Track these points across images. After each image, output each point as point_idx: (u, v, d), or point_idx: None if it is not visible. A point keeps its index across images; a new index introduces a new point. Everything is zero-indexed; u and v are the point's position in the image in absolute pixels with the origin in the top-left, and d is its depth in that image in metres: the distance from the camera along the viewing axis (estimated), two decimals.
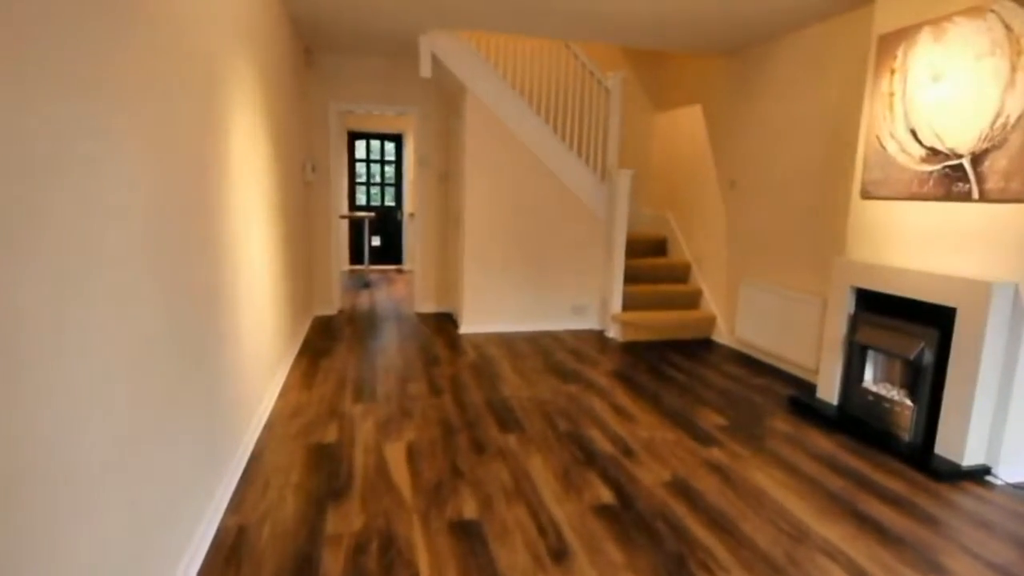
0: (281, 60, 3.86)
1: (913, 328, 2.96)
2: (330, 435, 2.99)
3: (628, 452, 2.89)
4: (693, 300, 5.38)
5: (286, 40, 4.08)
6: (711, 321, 5.16)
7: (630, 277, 5.33)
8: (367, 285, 7.65)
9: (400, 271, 9.13)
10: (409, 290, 7.34)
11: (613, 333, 5.16)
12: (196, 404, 2.01)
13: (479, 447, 2.90)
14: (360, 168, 9.12)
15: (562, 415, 3.34)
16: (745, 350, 4.76)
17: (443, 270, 6.05)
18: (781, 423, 3.32)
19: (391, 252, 9.39)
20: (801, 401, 3.54)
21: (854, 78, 3.75)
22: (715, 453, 2.90)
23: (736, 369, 4.33)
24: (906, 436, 2.98)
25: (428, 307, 6.09)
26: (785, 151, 4.34)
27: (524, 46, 5.24)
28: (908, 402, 3.00)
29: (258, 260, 3.10)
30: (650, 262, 5.51)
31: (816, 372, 3.95)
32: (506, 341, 4.96)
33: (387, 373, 4.03)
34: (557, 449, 2.90)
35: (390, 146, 9.13)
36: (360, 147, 9.05)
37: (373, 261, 9.28)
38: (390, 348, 4.67)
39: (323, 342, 4.80)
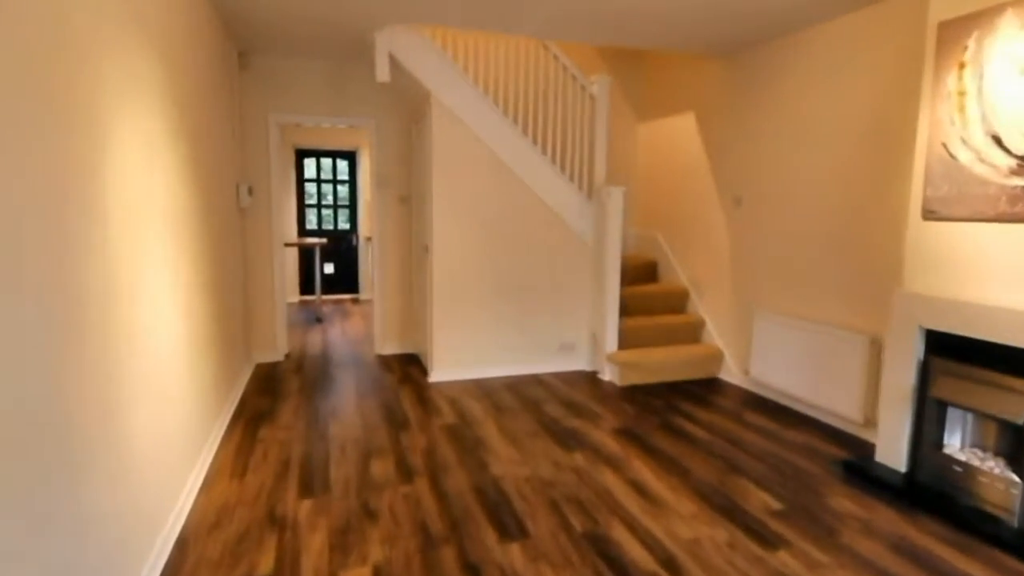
0: (206, 62, 3.06)
1: (1018, 384, 2.35)
2: (264, 562, 2.16)
3: (671, 565, 2.16)
4: (694, 332, 4.75)
5: (211, 37, 3.27)
6: (718, 357, 4.53)
7: (621, 308, 4.66)
8: (319, 320, 6.77)
9: (356, 301, 8.26)
10: (367, 326, 6.49)
11: (609, 375, 4.47)
12: (45, 551, 1.18)
13: (473, 570, 2.13)
14: (310, 189, 8.25)
15: (574, 504, 2.59)
16: (763, 393, 4.13)
17: (406, 303, 5.25)
18: (844, 500, 2.67)
19: (346, 280, 8.51)
20: (857, 466, 2.91)
21: (897, 75, 3.19)
22: (785, 559, 2.20)
23: (760, 419, 3.68)
24: (1012, 520, 2.36)
25: (391, 347, 5.27)
26: (804, 163, 3.76)
27: (497, 46, 4.56)
28: (1013, 476, 2.39)
29: (166, 315, 2.27)
30: (642, 289, 4.86)
31: (863, 425, 3.34)
32: (486, 391, 4.20)
33: (343, 445, 3.21)
34: (578, 564, 2.16)
35: (343, 164, 8.30)
36: (309, 166, 8.18)
37: (326, 291, 8.38)
38: (347, 407, 3.84)
39: (264, 400, 3.93)
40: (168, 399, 2.31)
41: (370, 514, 2.49)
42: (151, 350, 2.11)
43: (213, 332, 3.23)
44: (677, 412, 3.79)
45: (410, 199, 5.13)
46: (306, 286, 8.27)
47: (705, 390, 4.28)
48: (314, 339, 5.84)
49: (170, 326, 2.37)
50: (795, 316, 3.82)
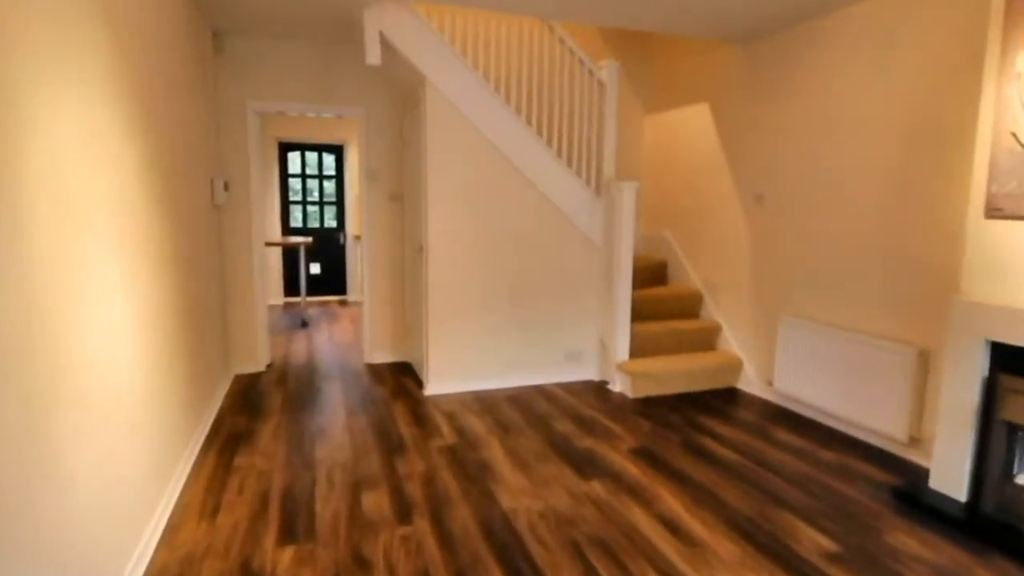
0: (172, 42, 2.66)
1: None
2: None
3: None
4: (709, 338, 4.42)
5: (178, 14, 2.87)
6: (736, 366, 4.21)
7: (631, 313, 4.32)
8: (305, 324, 6.37)
9: (344, 303, 7.86)
10: (356, 330, 6.11)
11: (620, 387, 4.13)
12: None
13: None
14: (295, 185, 7.83)
15: (598, 548, 2.25)
16: (789, 406, 3.81)
17: (398, 307, 4.88)
18: (903, 537, 2.35)
19: (333, 281, 8.10)
20: (909, 494, 2.59)
21: (947, 56, 2.87)
22: None
23: (789, 436, 3.37)
24: None
25: (382, 355, 4.90)
26: (835, 157, 3.44)
27: (498, 27, 4.19)
28: None
29: (118, 335, 1.89)
30: (652, 293, 4.53)
31: (908, 445, 3.03)
32: (487, 405, 3.84)
33: (331, 474, 2.84)
34: None
35: (329, 159, 7.89)
36: (294, 160, 7.76)
37: (313, 292, 7.97)
38: (334, 425, 3.46)
39: (242, 419, 3.54)
40: (123, 433, 1.93)
41: (363, 564, 2.13)
42: (98, 379, 1.73)
43: (182, 346, 2.84)
44: (698, 428, 3.46)
45: (402, 195, 4.76)
46: (291, 287, 7.86)
47: (724, 402, 3.95)
48: (299, 346, 5.45)
49: (125, 347, 1.99)
50: (826, 323, 3.50)
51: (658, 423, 3.54)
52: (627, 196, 3.98)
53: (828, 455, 3.10)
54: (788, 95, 3.75)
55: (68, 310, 1.56)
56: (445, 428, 3.44)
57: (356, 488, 2.70)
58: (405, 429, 3.42)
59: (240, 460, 3.00)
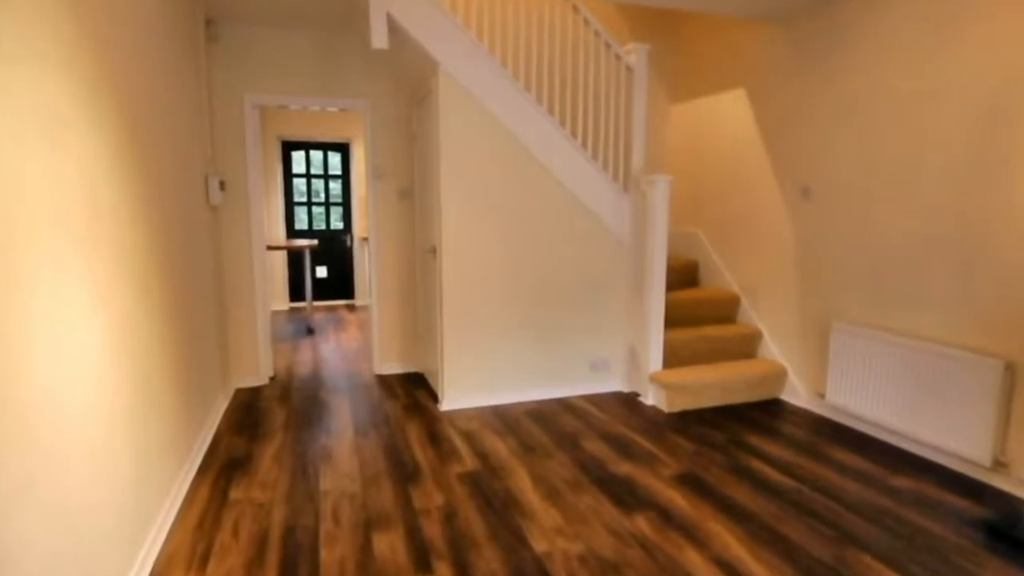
0: (157, 26, 2.33)
1: None
2: None
3: None
4: (748, 346, 4.06)
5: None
6: (780, 376, 3.85)
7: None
8: (311, 331, 6.06)
9: (352, 308, 7.55)
10: (365, 337, 5.79)
11: (653, 400, 3.78)
12: None
13: None
14: (300, 185, 7.52)
15: None
16: (843, 420, 3.45)
17: (409, 314, 4.55)
18: None
19: (340, 285, 7.79)
20: (1002, 531, 2.23)
21: None
22: None
23: (849, 457, 3.01)
24: None
25: (392, 365, 4.57)
26: (897, 146, 3.08)
27: (517, 7, 3.85)
28: None
29: (85, 362, 1.57)
30: (684, 296, 4.17)
31: (991, 469, 2.66)
32: (508, 422, 3.50)
33: (338, 509, 2.51)
34: None
35: (335, 158, 7.57)
36: (298, 159, 7.45)
37: (319, 296, 7.67)
38: (342, 448, 3.14)
39: (241, 441, 3.22)
40: (86, 478, 1.61)
41: None
42: (54, 416, 1.41)
43: (171, 365, 2.52)
44: (745, 448, 3.11)
45: (412, 193, 4.43)
46: (296, 292, 7.56)
47: (769, 416, 3.59)
48: (304, 355, 5.13)
49: (93, 374, 1.66)
50: (888, 330, 3.14)
51: (700, 442, 3.19)
52: (660, 191, 3.63)
53: (899, 481, 2.74)
54: (838, 76, 3.39)
55: (12, 333, 1.23)
56: (464, 451, 3.10)
57: (366, 527, 2.37)
58: (420, 452, 3.09)
59: (237, 492, 2.67)
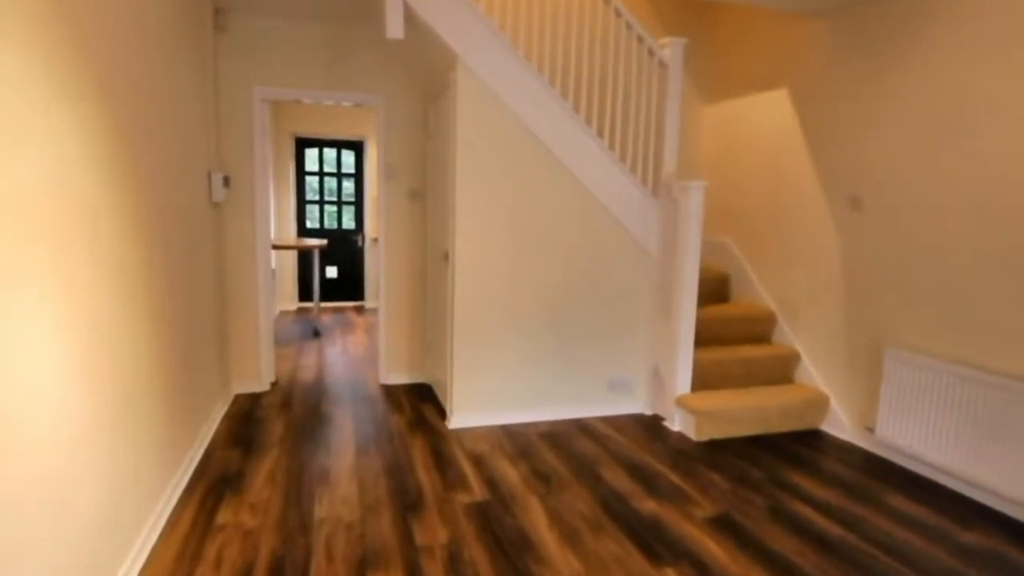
0: (156, 10, 2.11)
1: None
2: None
3: None
4: (784, 369, 3.75)
5: None
6: (821, 404, 3.52)
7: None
8: (317, 334, 5.83)
9: (361, 310, 7.32)
10: (372, 343, 5.54)
11: (679, 425, 3.48)
12: None
13: None
14: (312, 183, 7.31)
15: None
16: (898, 460, 3.12)
17: (417, 321, 4.29)
18: None
19: (350, 286, 7.57)
20: None
21: None
22: None
23: (911, 505, 2.68)
24: None
25: (399, 375, 4.31)
26: (968, 148, 2.76)
27: None
28: None
29: (52, 383, 1.32)
30: (715, 312, 3.86)
31: None
32: (521, 445, 3.22)
33: (332, 543, 2.25)
34: None
35: (348, 156, 7.36)
36: (311, 157, 7.25)
37: (328, 297, 7.46)
38: (341, 468, 2.88)
39: (235, 455, 2.98)
40: (50, 512, 1.36)
41: None
42: (8, 443, 1.16)
43: (160, 374, 2.28)
44: (786, 488, 2.80)
45: (424, 194, 4.17)
46: (305, 292, 7.35)
47: (810, 450, 3.27)
48: (308, 360, 4.89)
49: (58, 392, 1.42)
50: (953, 361, 2.81)
51: (735, 479, 2.88)
52: (693, 198, 3.33)
53: (970, 537, 2.41)
54: (896, 75, 3.07)
55: None
56: (473, 477, 2.83)
57: (361, 566, 2.10)
58: (425, 477, 2.82)
59: (225, 515, 2.42)
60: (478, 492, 2.68)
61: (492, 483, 2.77)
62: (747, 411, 3.37)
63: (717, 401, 3.37)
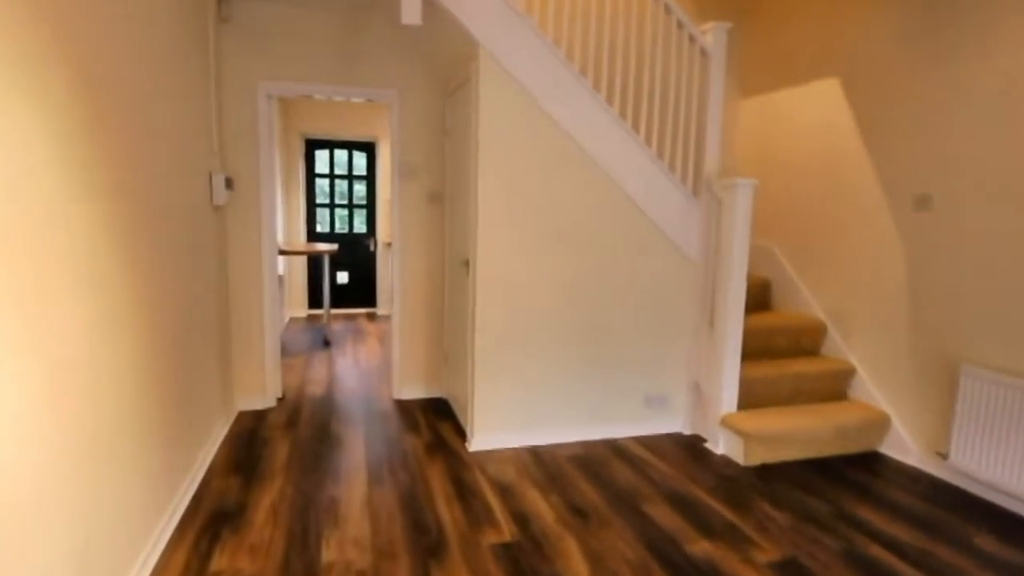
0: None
1: None
2: None
3: None
4: (837, 385, 3.41)
5: None
6: (880, 424, 3.18)
7: None
8: (327, 343, 5.56)
9: (373, 317, 7.05)
10: (385, 353, 5.26)
11: (724, 448, 3.15)
12: None
13: None
14: (323, 185, 7.06)
15: None
16: (975, 490, 2.78)
17: (434, 330, 4.00)
18: None
19: (362, 292, 7.31)
20: None
21: None
22: None
23: (994, 544, 2.34)
24: None
25: (413, 389, 4.02)
26: None
27: None
28: None
29: (28, 400, 1.04)
30: (758, 321, 3.54)
31: None
32: (551, 472, 2.91)
33: None
34: None
35: (360, 158, 7.10)
36: (321, 159, 7.00)
37: (339, 303, 7.20)
38: (351, 503, 2.58)
39: (235, 483, 2.70)
40: (19, 556, 1.08)
41: None
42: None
43: (149, 395, 2.00)
44: (857, 525, 2.46)
45: (443, 197, 3.88)
46: (315, 299, 7.09)
47: (872, 477, 2.94)
48: (318, 372, 4.62)
49: (18, 427, 1.14)
50: None
51: (796, 514, 2.55)
52: (740, 198, 3.01)
53: None
54: (972, 59, 2.74)
55: None
56: (499, 511, 2.52)
57: None
58: (445, 510, 2.52)
59: (220, 559, 2.14)
60: (506, 530, 2.37)
61: (522, 519, 2.46)
62: (801, 433, 3.04)
63: (767, 421, 3.04)
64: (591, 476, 2.87)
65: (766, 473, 2.95)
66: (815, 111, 3.63)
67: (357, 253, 7.22)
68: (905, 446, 3.09)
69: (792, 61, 3.81)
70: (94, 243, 1.67)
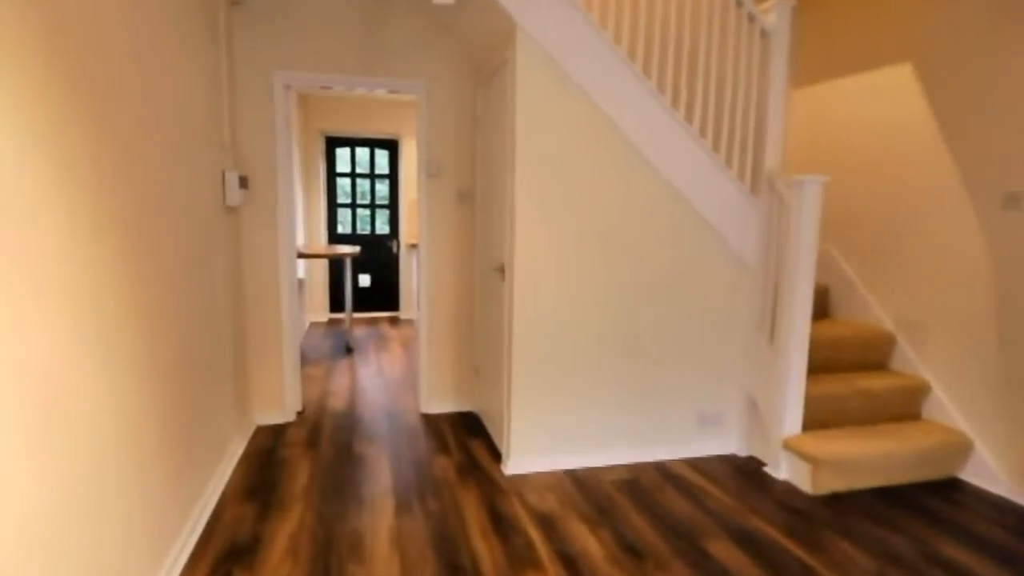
0: None
1: None
2: None
3: None
4: (910, 403, 3.07)
5: None
6: (962, 448, 2.85)
7: None
8: (350, 350, 5.33)
9: (395, 321, 6.82)
10: (410, 359, 5.01)
11: (787, 473, 2.84)
12: None
13: None
14: (344, 185, 6.85)
15: None
16: None
17: (464, 338, 3.73)
18: None
19: (383, 295, 7.08)
20: None
21: None
22: None
23: None
24: None
25: (442, 402, 3.76)
26: None
27: None
28: None
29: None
30: (819, 332, 3.20)
31: None
32: (597, 501, 2.63)
33: None
34: None
35: (383, 157, 6.87)
36: (342, 157, 6.78)
37: (361, 307, 6.99)
38: (377, 537, 2.32)
39: (250, 513, 2.46)
40: None
41: None
42: None
43: (156, 421, 1.76)
44: (948, 568, 2.14)
45: (473, 196, 3.62)
46: (337, 302, 6.88)
47: (957, 508, 2.60)
48: (340, 382, 4.38)
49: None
50: None
51: (877, 552, 2.24)
52: (808, 196, 2.69)
53: None
54: None
55: None
56: (543, 549, 2.25)
57: None
58: (482, 547, 2.25)
59: None
60: (551, 573, 2.09)
61: (568, 559, 2.18)
62: (877, 458, 2.72)
63: (837, 445, 2.72)
64: (642, 506, 2.58)
65: (837, 504, 2.63)
66: (883, 101, 3.29)
67: (379, 255, 6.99)
68: (990, 473, 2.75)
69: (852, 46, 3.47)
70: (78, 249, 1.43)
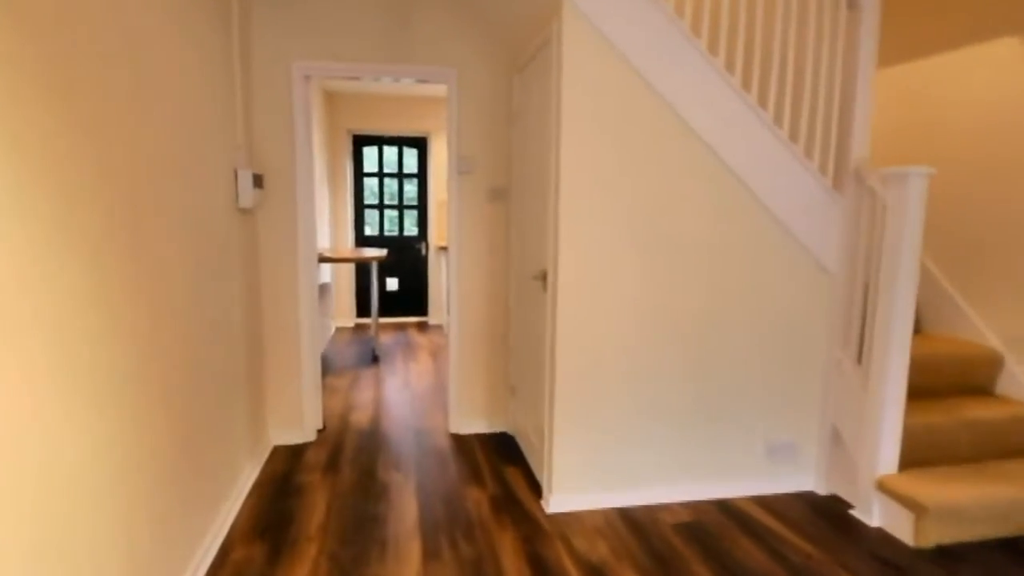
0: None
1: None
2: None
3: None
4: (1020, 433, 2.61)
5: None
6: None
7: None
8: (376, 359, 5.04)
9: (424, 327, 6.52)
10: (439, 369, 4.69)
11: (881, 519, 2.41)
12: None
13: None
14: (371, 185, 6.59)
15: None
16: None
17: (498, 352, 3.39)
18: None
19: (411, 300, 6.80)
20: None
21: None
22: None
23: None
24: None
25: (473, 423, 3.42)
26: None
27: None
28: None
29: None
30: (912, 350, 2.74)
31: None
32: (653, 547, 2.25)
33: None
34: None
35: (411, 156, 6.58)
36: (369, 156, 6.52)
37: (387, 311, 6.71)
38: None
39: (259, 555, 2.15)
40: None
41: None
42: None
43: (156, 458, 1.45)
44: None
45: (508, 194, 3.27)
46: (363, 307, 6.62)
47: None
48: (364, 395, 4.08)
49: None
50: None
51: None
52: (913, 192, 2.26)
53: None
54: None
55: None
56: None
57: None
58: None
59: None
60: None
61: None
62: (995, 505, 2.27)
63: (944, 488, 2.29)
64: (708, 556, 2.19)
65: (947, 560, 2.19)
66: (984, 81, 2.83)
67: (407, 258, 6.71)
68: None
69: (947, 19, 3.01)
70: (61, 256, 1.11)
